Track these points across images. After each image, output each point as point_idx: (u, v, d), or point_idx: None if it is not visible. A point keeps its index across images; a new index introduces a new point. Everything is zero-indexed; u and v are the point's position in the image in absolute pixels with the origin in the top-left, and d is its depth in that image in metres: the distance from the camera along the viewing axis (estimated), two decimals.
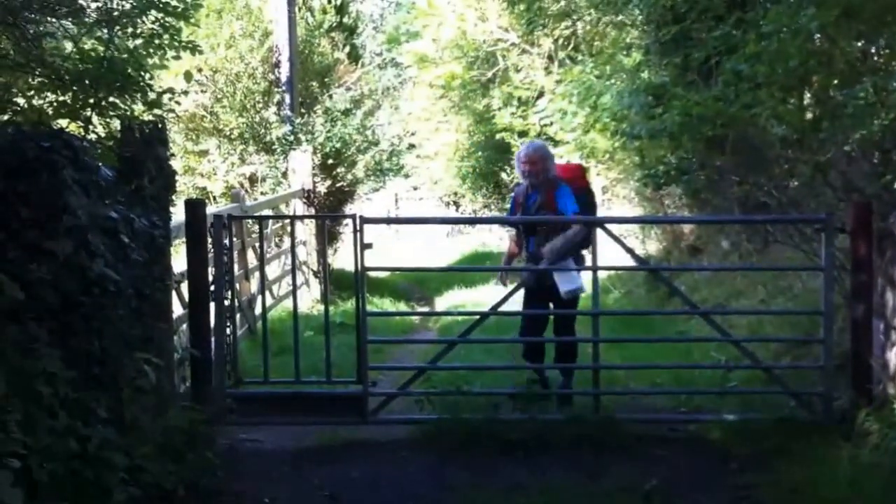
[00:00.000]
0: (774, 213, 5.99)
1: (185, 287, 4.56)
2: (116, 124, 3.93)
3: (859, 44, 5.04)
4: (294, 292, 4.88)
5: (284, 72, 9.85)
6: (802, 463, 3.70)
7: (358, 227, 4.40)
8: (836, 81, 5.00)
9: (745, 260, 7.53)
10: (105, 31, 3.98)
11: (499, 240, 17.25)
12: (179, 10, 4.14)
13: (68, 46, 4.23)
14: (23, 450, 2.38)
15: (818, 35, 4.96)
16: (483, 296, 9.33)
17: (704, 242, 8.73)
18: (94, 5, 4.06)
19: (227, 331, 4.47)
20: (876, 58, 5.17)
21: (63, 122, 3.80)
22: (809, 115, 5.50)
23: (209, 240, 4.44)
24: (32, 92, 3.95)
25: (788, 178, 6.06)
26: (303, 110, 10.20)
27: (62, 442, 2.64)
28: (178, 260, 4.61)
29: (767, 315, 6.04)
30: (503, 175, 15.24)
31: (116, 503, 2.74)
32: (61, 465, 2.59)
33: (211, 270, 4.44)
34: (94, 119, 3.84)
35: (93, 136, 3.80)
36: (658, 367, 5.42)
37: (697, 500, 3.54)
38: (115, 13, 3.98)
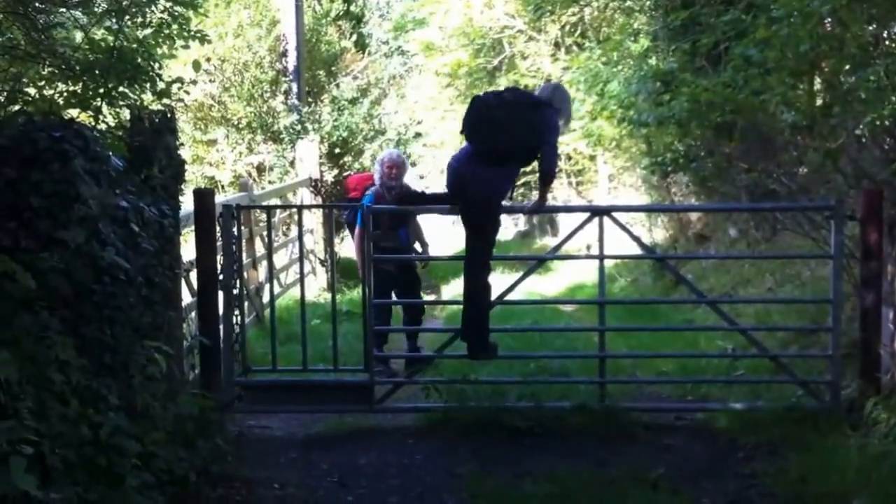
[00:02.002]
0: (783, 201, 5.95)
1: (193, 275, 4.59)
2: (126, 114, 3.95)
3: (871, 27, 4.98)
4: (302, 281, 4.90)
5: (292, 61, 9.83)
6: (810, 452, 3.70)
7: (364, 216, 4.42)
8: (847, 66, 4.94)
9: (752, 248, 7.50)
10: (114, 20, 3.99)
11: (504, 228, 17.19)
12: None
13: (78, 36, 4.25)
14: (36, 437, 2.40)
15: (829, 19, 4.90)
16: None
17: (712, 230, 8.69)
18: None
19: (236, 319, 4.51)
20: (888, 42, 5.11)
21: (73, 112, 3.81)
22: (820, 101, 5.45)
23: (217, 229, 4.46)
24: (43, 82, 3.97)
25: (798, 164, 6.01)
26: (310, 99, 10.19)
27: (74, 429, 2.67)
28: (187, 248, 4.63)
29: (775, 303, 6.03)
30: None
31: (129, 489, 2.78)
32: (74, 451, 2.62)
33: (219, 259, 4.47)
34: (104, 109, 3.85)
35: (103, 126, 3.81)
36: (664, 355, 5.42)
37: (704, 489, 3.54)
38: (125, 3, 3.98)
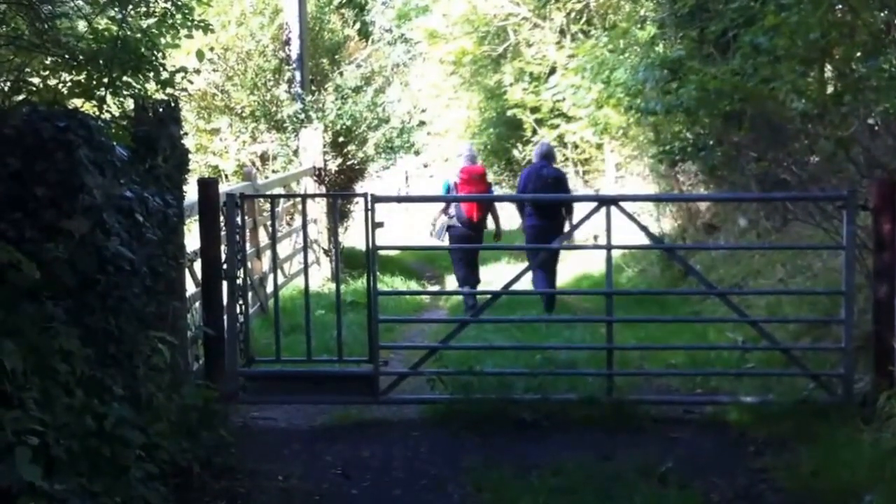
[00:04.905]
0: (794, 190, 5.89)
1: (197, 265, 4.56)
2: (130, 104, 3.93)
3: (883, 14, 4.90)
4: (305, 271, 4.87)
5: (295, 49, 9.76)
6: (822, 446, 3.66)
7: (369, 206, 4.37)
8: (858, 54, 4.87)
9: (763, 238, 7.44)
10: (118, 10, 3.96)
11: (510, 217, 17.12)
12: None
13: (82, 26, 4.22)
14: (41, 427, 2.39)
15: (840, 6, 4.83)
16: (494, 275, 9.30)
17: (721, 220, 8.62)
18: None
19: (240, 309, 4.48)
20: None
21: (77, 102, 3.79)
22: (831, 89, 5.39)
23: (221, 218, 4.43)
24: (47, 72, 3.95)
25: (809, 153, 5.95)
26: (313, 88, 10.11)
27: (79, 419, 2.66)
28: (191, 238, 4.61)
29: (786, 295, 5.97)
30: (514, 152, 15.11)
31: (133, 479, 2.76)
32: (78, 442, 2.61)
33: (223, 249, 4.44)
34: (109, 98, 3.83)
35: (107, 116, 3.79)
36: (673, 347, 5.38)
37: (714, 483, 3.50)
38: None
